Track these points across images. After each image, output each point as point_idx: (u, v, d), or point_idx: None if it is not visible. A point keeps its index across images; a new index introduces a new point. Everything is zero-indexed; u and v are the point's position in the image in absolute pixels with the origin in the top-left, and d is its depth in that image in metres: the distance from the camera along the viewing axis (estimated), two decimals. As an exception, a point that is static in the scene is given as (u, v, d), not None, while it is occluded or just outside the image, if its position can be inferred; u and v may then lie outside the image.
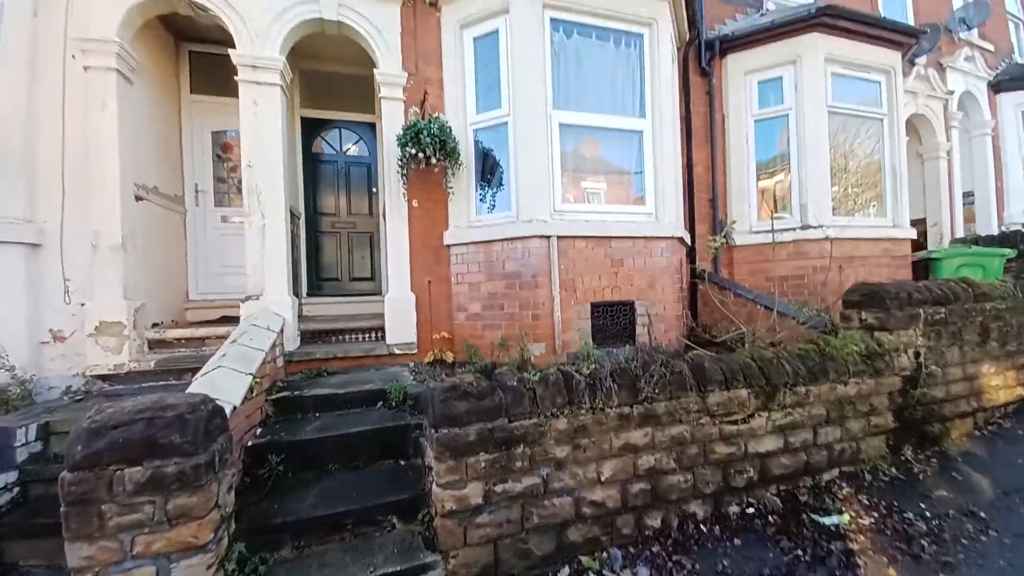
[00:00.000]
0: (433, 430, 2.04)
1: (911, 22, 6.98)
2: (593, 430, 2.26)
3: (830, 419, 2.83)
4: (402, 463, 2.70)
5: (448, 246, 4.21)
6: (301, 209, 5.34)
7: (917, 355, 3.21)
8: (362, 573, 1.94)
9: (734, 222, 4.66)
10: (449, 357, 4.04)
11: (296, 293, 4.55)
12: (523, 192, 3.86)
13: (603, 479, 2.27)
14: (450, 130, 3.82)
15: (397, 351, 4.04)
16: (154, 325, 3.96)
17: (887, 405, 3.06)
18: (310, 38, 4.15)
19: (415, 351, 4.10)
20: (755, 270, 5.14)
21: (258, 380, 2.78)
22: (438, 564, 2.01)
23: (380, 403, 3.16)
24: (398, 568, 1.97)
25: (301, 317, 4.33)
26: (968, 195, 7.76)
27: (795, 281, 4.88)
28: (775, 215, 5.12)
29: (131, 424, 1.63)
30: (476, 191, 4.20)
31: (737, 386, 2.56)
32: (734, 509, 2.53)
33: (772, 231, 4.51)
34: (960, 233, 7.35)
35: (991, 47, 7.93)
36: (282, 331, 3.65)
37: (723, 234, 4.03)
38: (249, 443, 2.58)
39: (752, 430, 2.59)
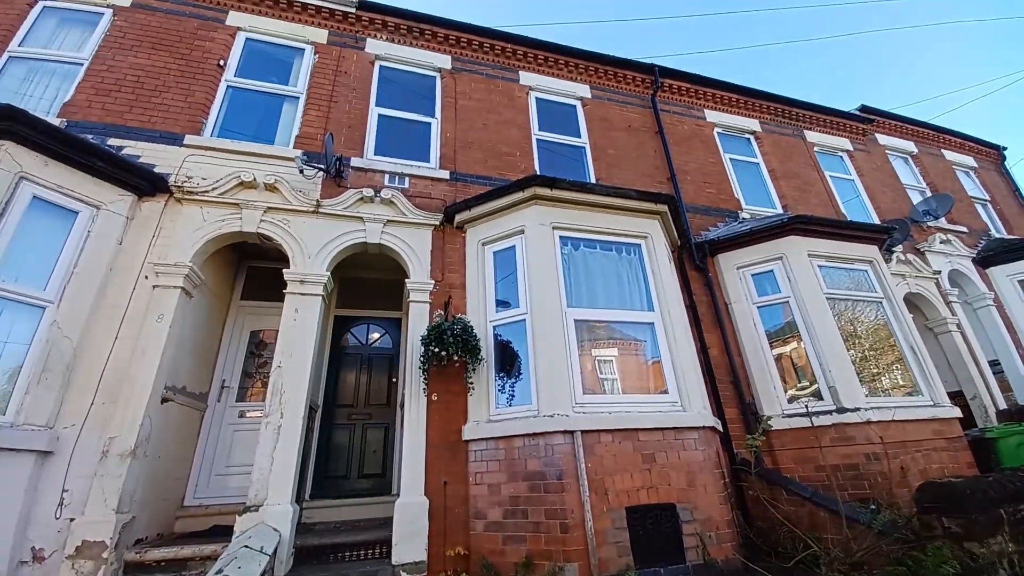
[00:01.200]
0: None
1: (875, 220, 7.91)
2: None
3: None
4: None
5: (467, 441, 4.02)
6: (320, 401, 5.34)
7: (1012, 565, 2.69)
8: None
9: (769, 418, 4.46)
10: (464, 583, 3.43)
11: (298, 497, 4.19)
12: (543, 386, 3.85)
13: None
14: (471, 330, 4.06)
15: (403, 574, 3.47)
16: (137, 542, 3.57)
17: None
18: (352, 255, 4.81)
19: (424, 572, 3.52)
20: (800, 457, 4.66)
21: (237, 631, 2.32)
22: None
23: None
24: None
25: (299, 526, 3.89)
26: (995, 363, 7.51)
27: (850, 472, 4.36)
28: (799, 386, 4.89)
29: None
30: (495, 383, 4.21)
31: (828, 638, 2.04)
32: None
33: (808, 414, 4.26)
34: (1001, 403, 6.87)
35: (964, 228, 8.56)
36: (275, 552, 3.22)
37: (760, 432, 3.81)
38: None
39: None
